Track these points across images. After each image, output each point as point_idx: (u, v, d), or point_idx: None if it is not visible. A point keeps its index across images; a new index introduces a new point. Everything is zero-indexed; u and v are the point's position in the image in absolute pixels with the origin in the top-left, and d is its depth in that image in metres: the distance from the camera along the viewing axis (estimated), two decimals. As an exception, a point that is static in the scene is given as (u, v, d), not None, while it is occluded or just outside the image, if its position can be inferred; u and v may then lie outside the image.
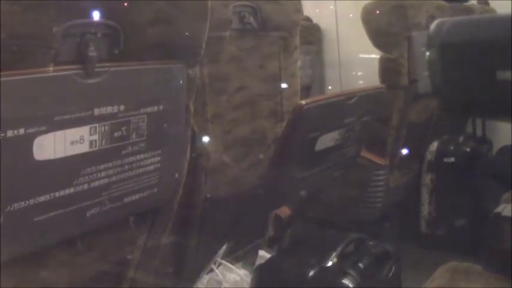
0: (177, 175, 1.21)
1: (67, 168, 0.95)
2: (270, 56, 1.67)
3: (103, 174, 1.02)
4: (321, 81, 3.61)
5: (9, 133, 0.84)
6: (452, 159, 2.53)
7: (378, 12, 2.25)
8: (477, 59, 1.13)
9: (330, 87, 3.51)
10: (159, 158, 1.13)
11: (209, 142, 1.49)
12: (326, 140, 1.63)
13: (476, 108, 1.25)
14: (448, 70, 1.17)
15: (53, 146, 0.91)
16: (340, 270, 1.60)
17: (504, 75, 1.06)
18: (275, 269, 1.66)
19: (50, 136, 0.90)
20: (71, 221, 1.00)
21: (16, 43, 0.82)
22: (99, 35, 0.95)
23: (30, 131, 0.87)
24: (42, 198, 0.93)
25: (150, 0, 1.01)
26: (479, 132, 2.90)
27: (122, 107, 1.01)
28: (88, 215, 1.02)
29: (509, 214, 1.34)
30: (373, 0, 2.28)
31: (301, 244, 1.79)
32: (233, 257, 1.75)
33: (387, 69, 2.26)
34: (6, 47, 0.80)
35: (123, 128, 1.02)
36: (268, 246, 1.84)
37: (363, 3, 2.31)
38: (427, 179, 2.55)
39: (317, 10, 3.59)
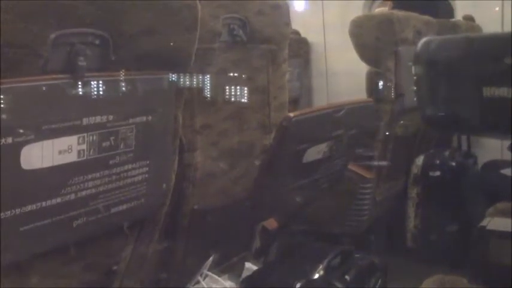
0: (164, 186, 1.21)
1: (54, 177, 0.95)
2: (259, 69, 1.67)
3: (90, 184, 1.02)
4: (308, 95, 3.63)
5: (-3, 141, 0.84)
6: (438, 173, 2.54)
7: (365, 26, 2.27)
8: (464, 76, 1.15)
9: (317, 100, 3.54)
10: (146, 169, 1.13)
11: (197, 153, 1.49)
12: (314, 153, 1.63)
13: (461, 124, 1.26)
14: (434, 87, 1.19)
15: (40, 155, 0.91)
16: (326, 283, 1.60)
17: (490, 92, 1.08)
18: (261, 281, 1.66)
19: (37, 145, 0.90)
20: (58, 231, 0.99)
21: (6, 52, 0.82)
22: (88, 44, 0.95)
23: (18, 139, 0.87)
24: (28, 208, 0.92)
25: (140, 11, 1.02)
26: (464, 147, 2.93)
27: (111, 117, 1.01)
28: (75, 225, 1.02)
29: (494, 228, 1.35)
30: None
31: (288, 256, 1.79)
32: (220, 268, 1.74)
33: (374, 83, 2.28)
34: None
35: (112, 138, 1.02)
36: (255, 258, 1.83)
37: (350, 18, 2.33)
38: (413, 192, 2.56)
39: (305, 24, 3.62)
